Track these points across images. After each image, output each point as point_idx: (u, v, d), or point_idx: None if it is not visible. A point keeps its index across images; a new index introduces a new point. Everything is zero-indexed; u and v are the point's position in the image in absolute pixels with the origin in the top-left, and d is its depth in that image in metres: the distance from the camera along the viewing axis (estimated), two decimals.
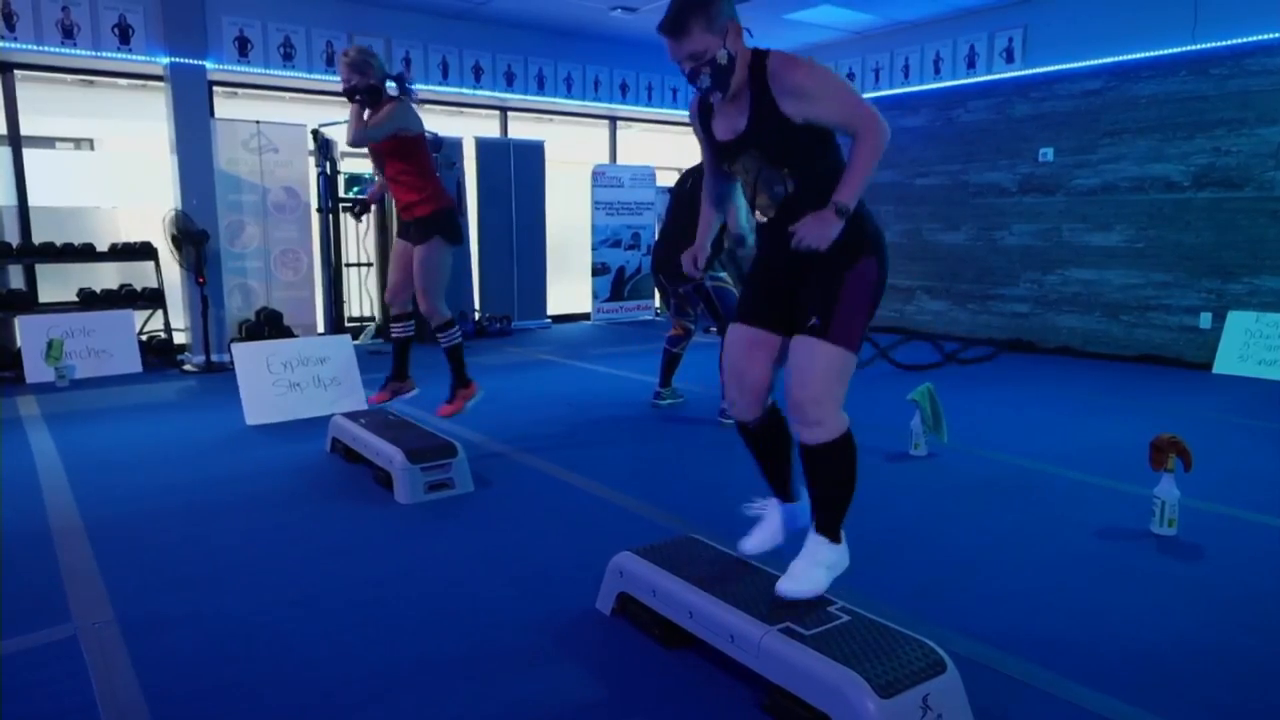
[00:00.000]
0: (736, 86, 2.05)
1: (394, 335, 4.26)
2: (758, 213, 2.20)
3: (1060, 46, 7.34)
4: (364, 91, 3.75)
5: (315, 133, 7.33)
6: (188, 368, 6.62)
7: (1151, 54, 6.78)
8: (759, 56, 2.05)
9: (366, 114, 3.82)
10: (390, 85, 3.85)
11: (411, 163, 3.87)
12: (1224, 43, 6.40)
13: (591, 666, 2.20)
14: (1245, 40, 6.30)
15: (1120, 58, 6.97)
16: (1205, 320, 6.71)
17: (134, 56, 6.55)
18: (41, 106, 6.92)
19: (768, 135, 2.05)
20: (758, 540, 2.38)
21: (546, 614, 2.49)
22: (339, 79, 3.83)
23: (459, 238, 4.04)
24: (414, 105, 3.88)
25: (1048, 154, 7.56)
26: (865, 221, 2.10)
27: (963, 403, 5.23)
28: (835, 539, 2.18)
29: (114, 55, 6.48)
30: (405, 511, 3.40)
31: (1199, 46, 6.51)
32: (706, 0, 1.97)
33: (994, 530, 3.20)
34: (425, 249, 3.94)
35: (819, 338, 2.04)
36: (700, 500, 3.55)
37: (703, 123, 2.23)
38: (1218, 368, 6.48)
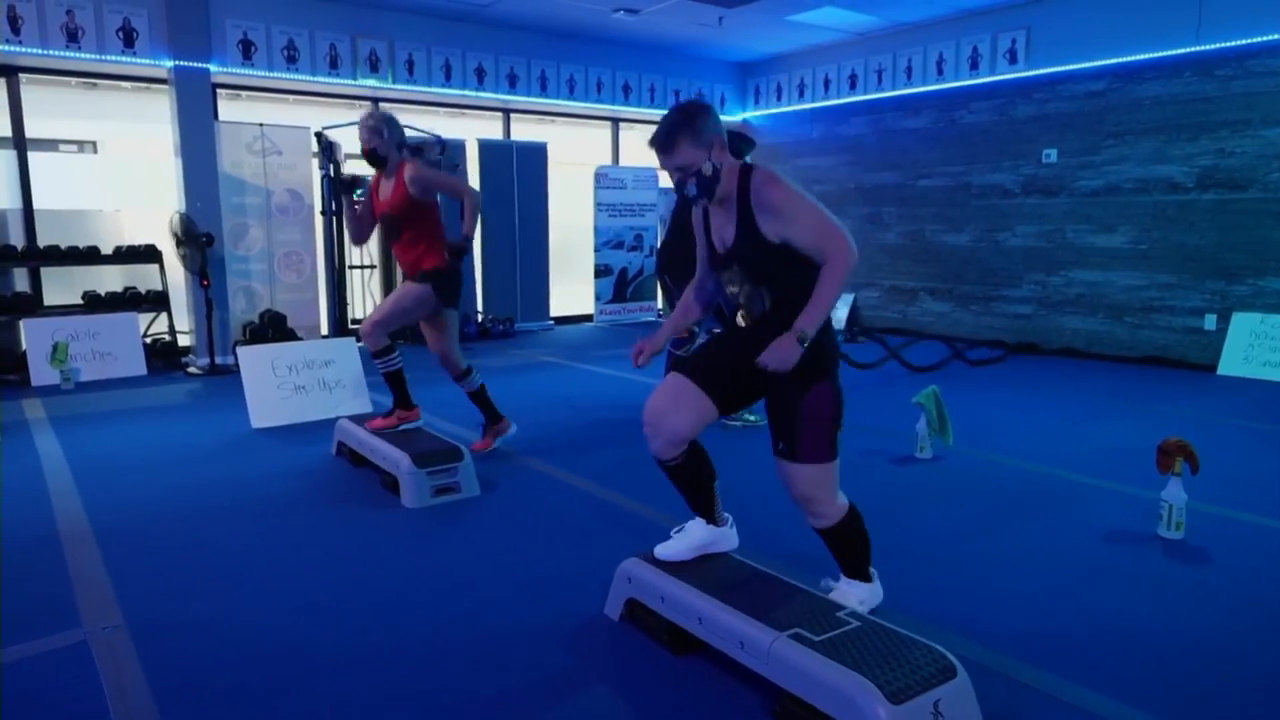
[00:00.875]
0: (723, 194, 2.19)
1: (468, 393, 4.19)
2: (739, 315, 2.29)
3: (1064, 47, 7.33)
4: (384, 155, 3.77)
5: (319, 135, 7.33)
6: (192, 370, 6.63)
7: (1155, 55, 6.78)
8: (745, 171, 2.18)
9: (379, 175, 3.87)
10: (404, 151, 3.86)
11: (427, 226, 3.84)
12: (1228, 44, 6.39)
13: (601, 672, 2.20)
14: (1249, 41, 6.30)
15: (1124, 59, 6.97)
16: (1210, 322, 6.70)
17: (138, 60, 6.56)
18: (45, 109, 6.93)
19: (749, 252, 2.17)
20: (672, 550, 2.43)
21: (554, 619, 2.49)
22: (361, 142, 3.82)
23: (453, 300, 3.94)
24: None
25: (1051, 155, 7.56)
26: (823, 343, 2.18)
27: (967, 405, 5.23)
28: (866, 580, 2.38)
29: (118, 58, 6.49)
30: (412, 515, 3.40)
31: (1203, 48, 6.51)
32: (692, 120, 2.13)
33: (1000, 534, 3.20)
34: (413, 287, 3.84)
35: (791, 461, 2.22)
36: None
37: (704, 226, 2.34)
38: (1222, 369, 6.48)
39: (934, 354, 7.26)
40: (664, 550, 2.44)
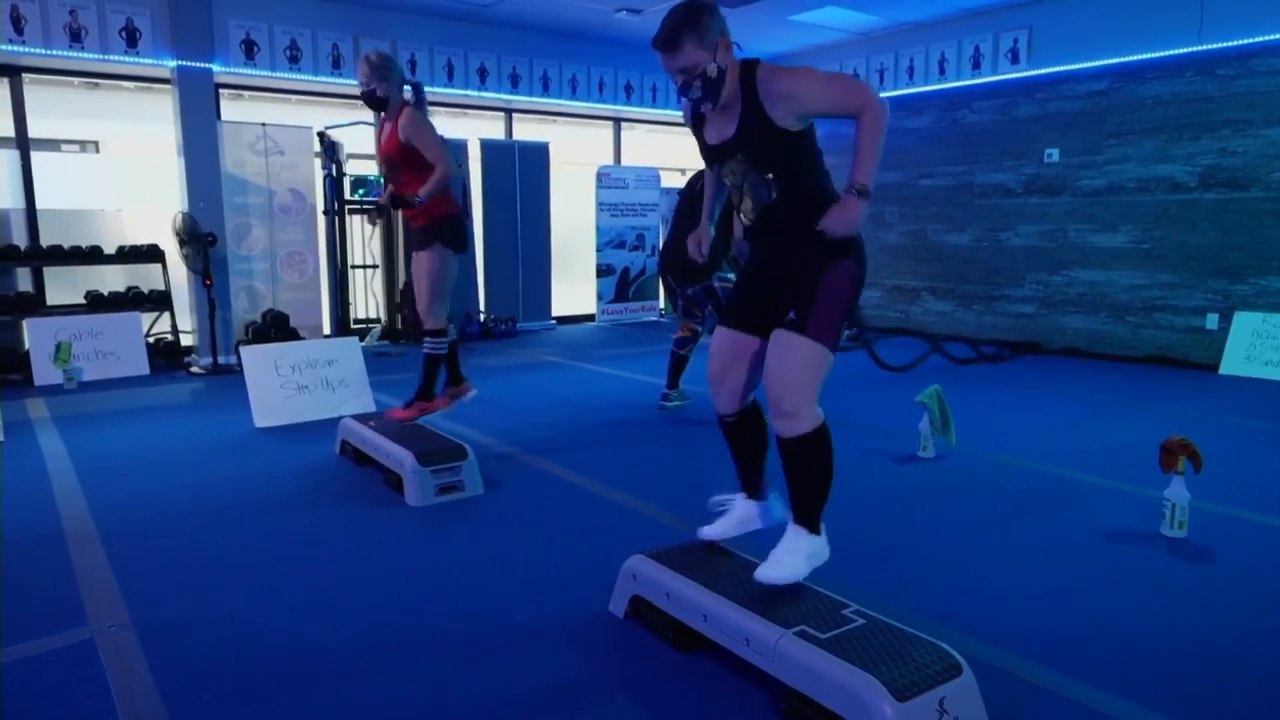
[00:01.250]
0: (727, 97, 2.14)
1: (425, 350, 4.18)
2: (740, 215, 2.28)
3: (1066, 47, 7.34)
4: (383, 96, 3.77)
5: (321, 135, 7.35)
6: (195, 370, 6.64)
7: (1157, 55, 6.78)
8: (749, 67, 2.13)
9: (382, 118, 3.86)
10: (407, 90, 3.85)
11: (425, 170, 3.83)
12: (1230, 43, 6.39)
13: (606, 670, 2.21)
14: (1252, 41, 6.30)
15: (1126, 58, 6.97)
16: (1212, 321, 6.70)
17: (141, 59, 6.57)
18: (46, 109, 6.94)
19: (755, 140, 2.13)
20: (720, 528, 2.47)
21: (559, 617, 2.49)
22: (357, 82, 3.83)
23: (462, 246, 3.99)
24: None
25: (1053, 155, 7.56)
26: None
27: (970, 405, 5.23)
28: (814, 530, 2.24)
29: (121, 58, 6.50)
30: (416, 514, 3.41)
31: (1205, 47, 6.51)
32: (697, 18, 2.07)
33: (1003, 532, 3.21)
34: (428, 255, 3.91)
35: (796, 332, 2.11)
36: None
37: (696, 128, 2.33)
38: (1224, 369, 6.48)
39: (959, 352, 7.26)
40: (709, 531, 2.46)
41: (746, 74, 2.12)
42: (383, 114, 3.88)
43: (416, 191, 3.78)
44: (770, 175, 2.14)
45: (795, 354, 2.10)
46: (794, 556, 2.19)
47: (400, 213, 4.01)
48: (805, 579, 2.24)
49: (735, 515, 2.48)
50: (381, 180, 7.53)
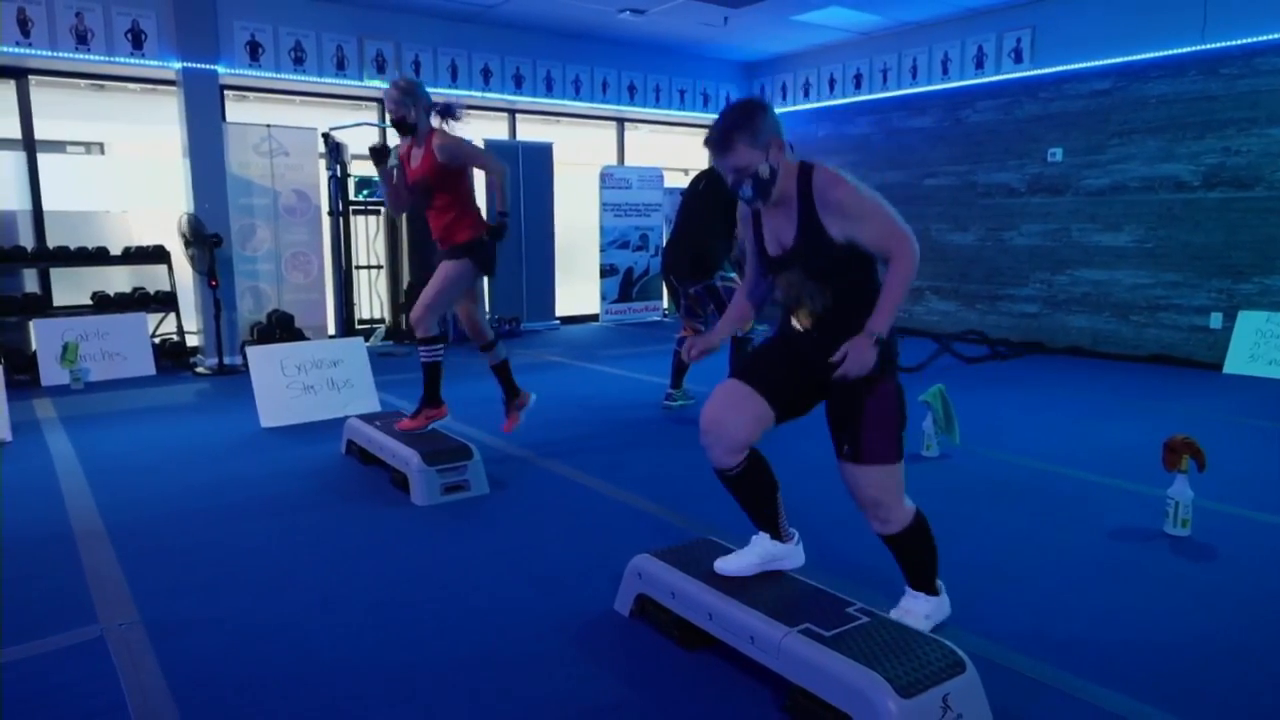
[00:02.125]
0: (779, 196, 2.13)
1: (491, 365, 4.21)
2: (793, 320, 2.24)
3: (1069, 47, 7.34)
4: (414, 122, 3.76)
5: (326, 136, 7.38)
6: (200, 370, 6.66)
7: (1161, 54, 6.78)
8: (805, 170, 2.12)
9: (409, 142, 3.86)
10: (434, 116, 3.85)
11: (459, 193, 3.83)
12: (1234, 42, 6.39)
13: (611, 668, 2.22)
14: (1255, 40, 6.29)
15: (1129, 58, 6.97)
16: (1216, 320, 6.70)
17: (147, 61, 6.59)
18: (53, 111, 6.97)
19: (813, 253, 2.12)
20: (737, 564, 2.32)
21: (565, 615, 2.51)
22: (388, 110, 3.81)
23: (491, 268, 3.95)
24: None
25: (1056, 154, 7.56)
26: (888, 342, 2.13)
27: (974, 404, 5.24)
28: (932, 592, 2.34)
29: (127, 60, 6.52)
30: (422, 513, 3.43)
31: (1209, 46, 6.51)
32: (750, 118, 2.07)
33: (1008, 531, 3.22)
34: (453, 265, 3.85)
35: (855, 463, 2.17)
36: (714, 502, 3.56)
37: (754, 227, 2.29)
38: (1228, 368, 6.48)
39: (950, 354, 7.26)
40: (725, 564, 2.32)
41: (804, 178, 2.11)
42: (410, 138, 3.85)
43: (452, 210, 3.79)
44: (826, 286, 2.14)
45: (865, 480, 2.17)
46: (914, 617, 2.28)
47: (432, 233, 3.96)
48: (814, 583, 2.24)
49: (756, 555, 2.34)
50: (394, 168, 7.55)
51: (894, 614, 2.27)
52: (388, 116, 3.80)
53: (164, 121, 7.12)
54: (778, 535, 2.35)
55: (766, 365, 2.27)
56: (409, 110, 3.73)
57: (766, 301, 2.45)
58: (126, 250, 6.87)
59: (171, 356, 6.90)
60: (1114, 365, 6.97)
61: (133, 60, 6.54)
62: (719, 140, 2.10)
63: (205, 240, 6.54)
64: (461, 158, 3.77)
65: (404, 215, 7.88)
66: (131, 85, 7.21)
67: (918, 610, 2.30)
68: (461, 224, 3.84)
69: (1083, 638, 2.37)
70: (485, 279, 4.02)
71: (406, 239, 8.12)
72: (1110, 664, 2.23)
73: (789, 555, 2.37)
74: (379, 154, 3.90)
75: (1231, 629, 2.43)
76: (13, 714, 2.00)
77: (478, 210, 3.93)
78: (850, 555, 2.92)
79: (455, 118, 3.83)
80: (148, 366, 6.50)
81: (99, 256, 6.72)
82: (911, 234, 2.06)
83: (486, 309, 8.81)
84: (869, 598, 2.29)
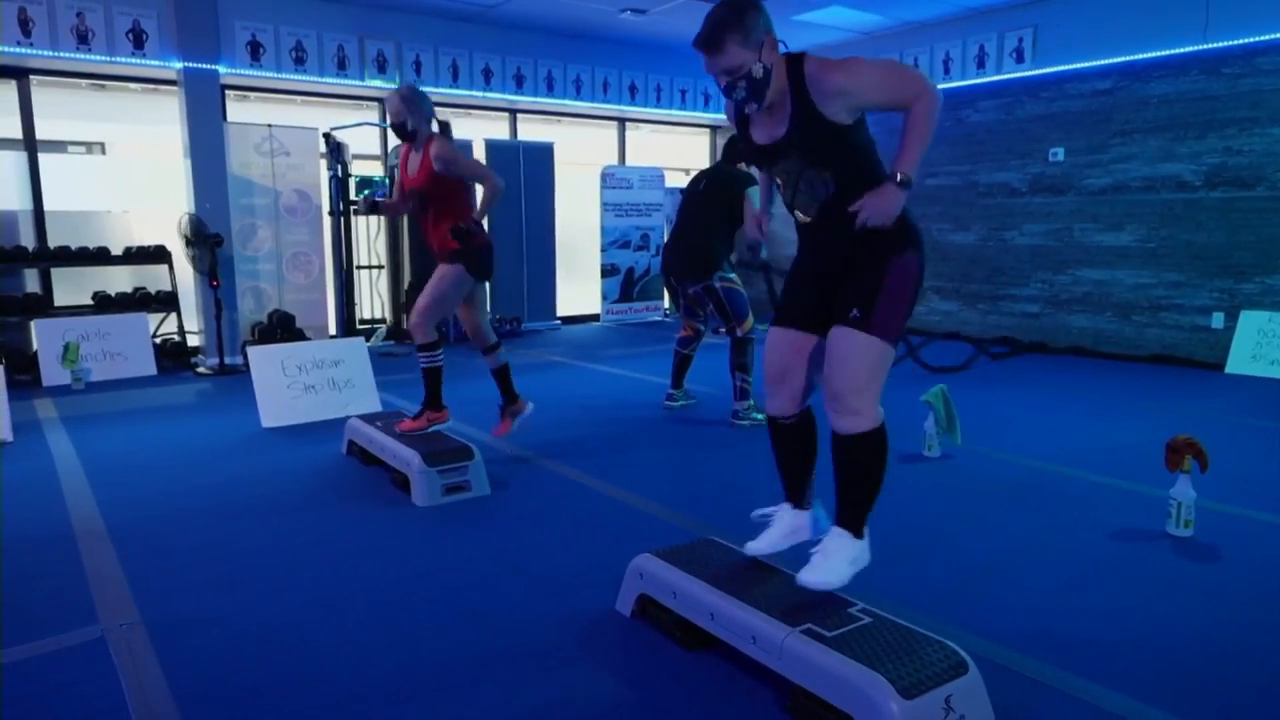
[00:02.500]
0: (774, 96, 2.07)
1: (492, 369, 4.20)
2: (797, 213, 2.21)
3: (1070, 46, 7.33)
4: (413, 129, 3.79)
5: (327, 136, 7.38)
6: (201, 370, 6.66)
7: (1163, 53, 6.77)
8: (795, 61, 2.05)
9: (406, 148, 3.90)
10: (435, 125, 3.88)
11: (454, 203, 3.84)
12: (1236, 42, 6.38)
13: (613, 668, 2.22)
14: (1257, 39, 6.28)
15: (1131, 57, 6.96)
16: (1217, 320, 6.69)
17: (148, 61, 6.59)
18: (53, 111, 6.97)
19: (809, 139, 2.06)
20: (767, 541, 2.37)
21: (566, 615, 2.50)
22: (388, 115, 3.86)
23: (486, 274, 3.96)
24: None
25: (1058, 154, 7.55)
26: (907, 216, 2.11)
27: (975, 404, 5.23)
28: (858, 534, 2.21)
29: (128, 60, 6.52)
30: (423, 514, 3.42)
31: (1210, 46, 6.50)
32: (741, 16, 1.99)
33: (1010, 532, 3.21)
34: (448, 270, 3.85)
35: (859, 329, 2.07)
36: (716, 502, 3.56)
37: (741, 128, 2.25)
38: (1230, 368, 6.47)
39: (958, 354, 7.26)
40: (755, 545, 2.35)
41: (794, 70, 2.03)
42: (409, 145, 3.88)
43: (449, 224, 3.79)
44: (826, 172, 2.09)
45: (860, 351, 2.06)
46: (838, 561, 2.15)
47: (430, 246, 3.97)
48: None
49: (783, 527, 2.36)
50: (386, 180, 7.56)
51: (813, 559, 2.16)
52: (388, 120, 3.82)
53: (165, 121, 7.12)
54: (801, 502, 2.37)
55: (796, 300, 2.26)
56: (409, 118, 3.77)
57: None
58: (127, 250, 6.87)
59: (172, 356, 6.90)
60: (1115, 365, 6.97)
61: (134, 60, 6.54)
62: (708, 39, 2.00)
63: (206, 240, 6.54)
64: (458, 170, 3.79)
65: (405, 222, 7.90)
66: (132, 85, 7.21)
67: (843, 553, 2.15)
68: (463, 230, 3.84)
69: (1085, 638, 2.37)
70: (487, 283, 4.01)
71: (408, 239, 8.12)
72: (1113, 664, 2.23)
73: (808, 524, 2.39)
74: (374, 207, 3.99)
75: (1234, 629, 2.42)
76: (13, 714, 2.00)
77: (471, 212, 3.93)
78: None
79: (449, 137, 3.86)
80: (149, 366, 6.51)
81: (100, 256, 6.72)
82: (923, 74, 1.99)
83: (489, 311, 8.81)
84: (871, 598, 2.28)
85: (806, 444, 2.34)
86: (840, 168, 2.09)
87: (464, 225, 3.80)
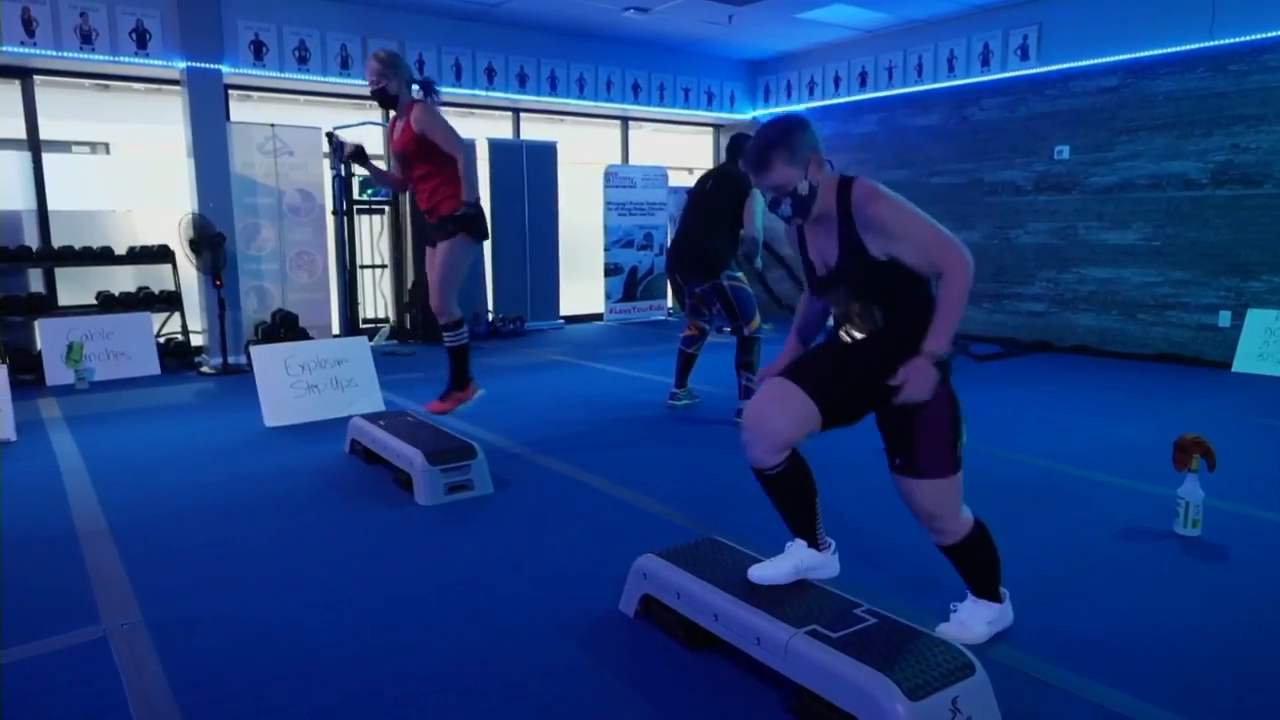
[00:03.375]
0: (820, 212, 2.11)
1: (448, 345, 4.22)
2: (845, 334, 2.20)
3: (1076, 44, 7.30)
4: (394, 93, 3.83)
5: (330, 135, 7.36)
6: (205, 370, 6.66)
7: (1169, 50, 6.74)
8: (845, 185, 2.08)
9: (393, 115, 3.94)
10: (415, 89, 3.89)
11: (440, 163, 3.88)
12: (1242, 39, 6.35)
13: (616, 668, 2.21)
14: (1264, 36, 6.25)
15: (1137, 54, 6.93)
16: (1224, 318, 6.66)
17: (151, 61, 6.59)
18: (57, 111, 6.98)
19: (857, 271, 2.09)
20: (773, 573, 2.23)
21: (570, 615, 2.49)
22: (367, 81, 3.90)
23: (484, 234, 4.01)
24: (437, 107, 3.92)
25: (1063, 152, 7.52)
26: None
27: (980, 403, 5.20)
28: (995, 600, 2.31)
29: (131, 60, 6.52)
30: (426, 513, 3.41)
31: (1217, 43, 6.47)
32: (788, 135, 2.04)
33: (1015, 531, 3.19)
34: (448, 245, 3.92)
35: (912, 477, 2.14)
36: (719, 501, 3.54)
37: (801, 247, 2.26)
38: (1237, 366, 6.43)
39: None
40: (759, 572, 2.24)
41: (843, 193, 2.07)
42: (393, 111, 3.94)
43: (433, 179, 3.84)
44: (875, 306, 2.11)
45: (920, 493, 2.14)
46: (976, 622, 2.27)
47: (419, 207, 4.03)
48: (818, 583, 2.22)
49: (791, 562, 2.25)
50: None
51: (953, 619, 2.29)
52: (369, 87, 3.85)
53: (168, 121, 7.12)
54: (814, 543, 2.29)
55: (816, 367, 2.19)
56: (389, 81, 3.79)
57: (824, 319, 2.39)
58: (131, 250, 6.87)
59: (176, 356, 6.90)
60: (1121, 364, 6.93)
61: (137, 60, 6.54)
62: (756, 159, 2.06)
63: (209, 240, 6.54)
64: (434, 135, 3.80)
65: (409, 221, 7.90)
66: (136, 85, 7.22)
67: (980, 616, 2.29)
68: (447, 192, 3.89)
69: (1092, 639, 2.35)
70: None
71: (411, 238, 8.12)
72: (1120, 665, 2.21)
73: (824, 565, 2.31)
74: (359, 155, 4.05)
75: (1243, 630, 2.40)
76: (13, 714, 1.99)
77: (453, 214, 3.95)
78: (858, 556, 2.89)
79: (436, 95, 3.89)
80: (152, 366, 6.51)
81: (104, 256, 6.72)
82: (960, 244, 2.00)
83: (490, 306, 8.79)
84: (877, 599, 2.27)
85: (798, 492, 2.24)
86: (887, 302, 2.10)
87: (459, 213, 3.84)
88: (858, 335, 2.17)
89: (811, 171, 2.06)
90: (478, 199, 3.92)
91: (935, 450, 2.10)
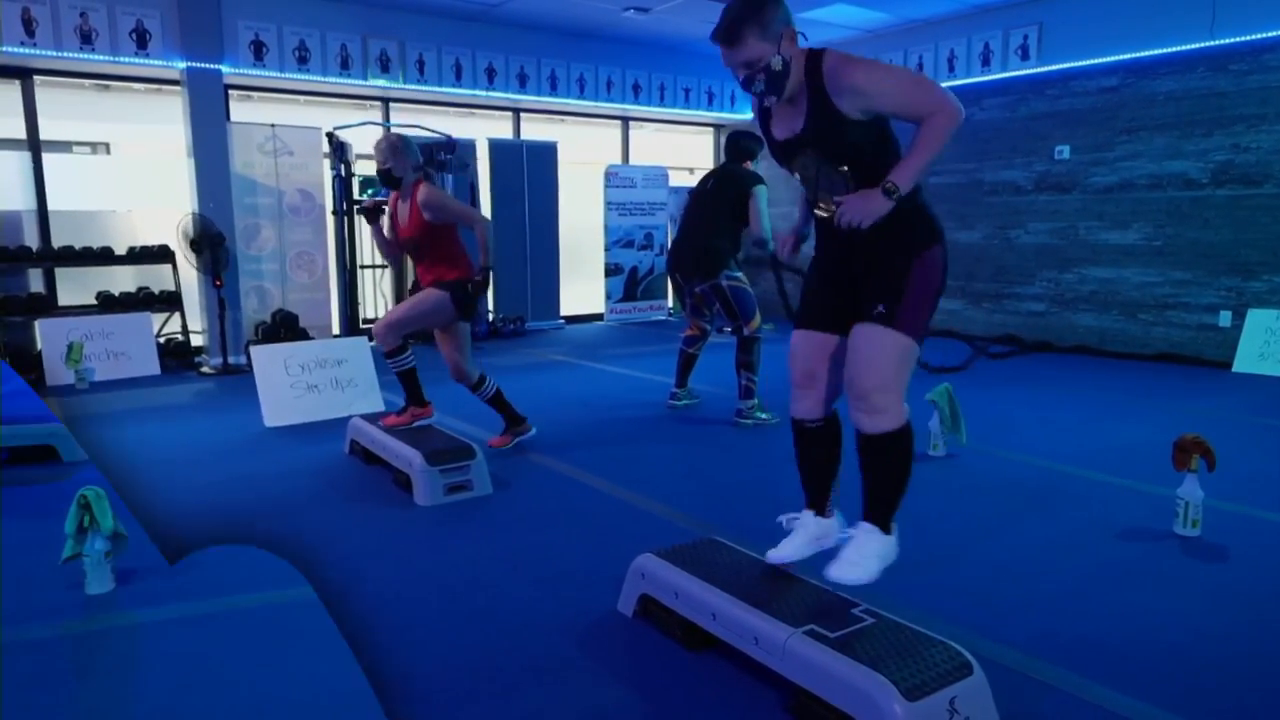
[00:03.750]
0: (792, 89, 2.04)
1: (485, 400, 4.20)
2: (818, 209, 2.17)
3: (1076, 43, 7.29)
4: (398, 175, 3.85)
5: (330, 136, 7.37)
6: (205, 370, 6.66)
7: (1169, 50, 6.73)
8: (814, 57, 2.02)
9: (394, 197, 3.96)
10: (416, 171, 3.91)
11: (447, 246, 3.89)
12: (1243, 38, 6.34)
13: (614, 669, 2.20)
14: (1264, 36, 6.24)
15: (1138, 54, 6.92)
16: (1225, 318, 6.65)
17: (151, 61, 6.60)
18: (57, 111, 6.98)
19: (825, 134, 2.04)
20: (790, 549, 2.30)
21: (568, 616, 2.49)
22: (375, 160, 3.90)
23: (468, 314, 3.94)
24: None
25: (1064, 152, 7.51)
26: (929, 210, 2.09)
27: (981, 403, 5.20)
28: (886, 530, 2.17)
29: (132, 60, 6.53)
30: (425, 513, 3.41)
31: (1217, 42, 6.46)
32: (760, 8, 1.97)
33: (1015, 532, 3.18)
34: (433, 294, 3.85)
35: (885, 325, 2.03)
36: (718, 501, 3.54)
37: (763, 125, 2.23)
38: (1238, 366, 6.42)
39: (960, 353, 7.23)
40: (777, 553, 2.28)
41: (812, 64, 2.01)
42: (396, 192, 3.94)
43: (443, 262, 3.86)
44: (845, 168, 2.05)
45: (886, 348, 2.03)
46: (867, 556, 2.12)
47: (422, 282, 4.00)
48: (818, 583, 2.21)
49: (806, 534, 2.29)
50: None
51: (842, 556, 2.13)
52: (376, 165, 3.88)
53: (168, 121, 7.13)
54: (823, 510, 2.32)
55: (817, 301, 2.23)
56: (395, 164, 3.82)
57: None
58: (131, 250, 6.88)
59: (176, 356, 6.90)
60: (1122, 364, 6.93)
61: (137, 60, 6.55)
62: (726, 32, 1.98)
63: (210, 240, 6.54)
64: (446, 216, 3.83)
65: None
66: (136, 85, 7.22)
67: (872, 550, 2.12)
68: (451, 269, 3.89)
69: (1091, 639, 2.34)
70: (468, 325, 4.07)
71: None
72: (1119, 666, 2.20)
73: (832, 532, 2.33)
74: (371, 214, 4.01)
75: (1243, 630, 2.40)
76: (14, 713, 1.99)
77: (465, 254, 3.95)
78: None
79: (437, 169, 3.89)
80: (152, 366, 6.51)
81: (104, 256, 6.73)
82: (943, 89, 1.95)
83: (490, 306, 8.80)
84: (874, 599, 2.26)
85: (831, 449, 2.29)
86: (857, 165, 2.05)
87: (471, 280, 3.86)
88: (829, 208, 2.10)
89: (785, 46, 1.98)
90: (490, 267, 3.88)
91: (917, 307, 2.05)
